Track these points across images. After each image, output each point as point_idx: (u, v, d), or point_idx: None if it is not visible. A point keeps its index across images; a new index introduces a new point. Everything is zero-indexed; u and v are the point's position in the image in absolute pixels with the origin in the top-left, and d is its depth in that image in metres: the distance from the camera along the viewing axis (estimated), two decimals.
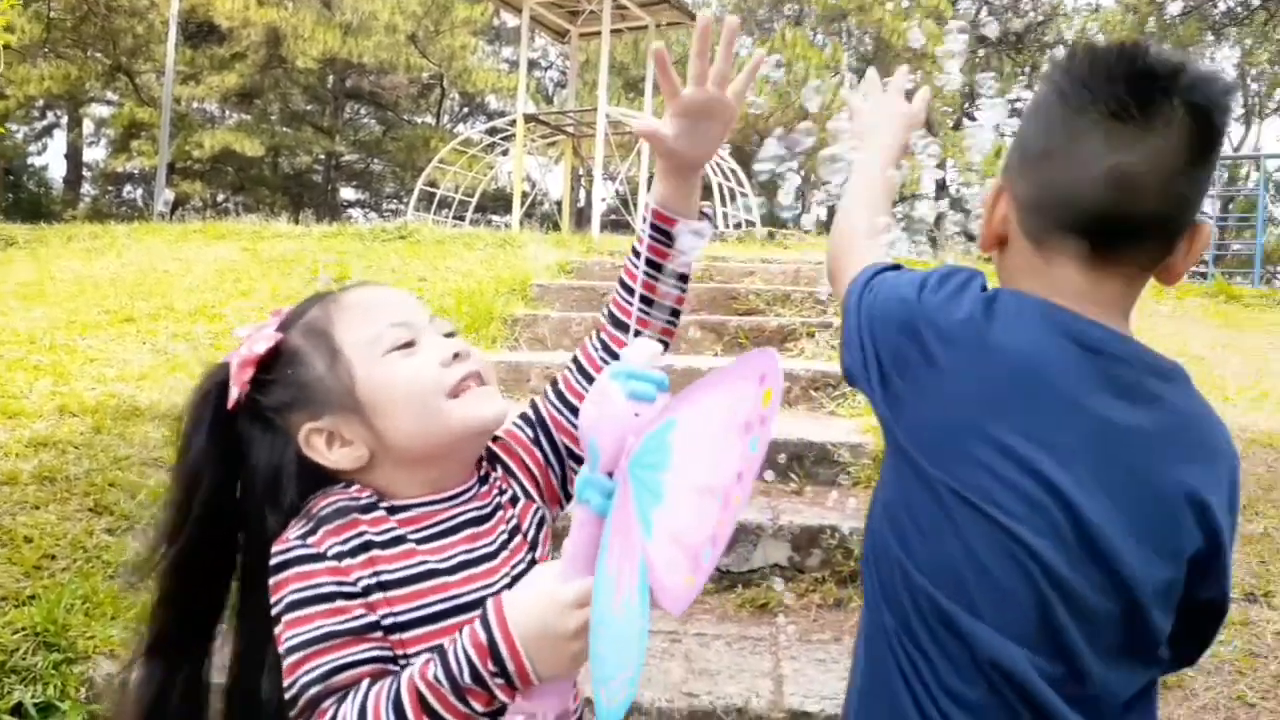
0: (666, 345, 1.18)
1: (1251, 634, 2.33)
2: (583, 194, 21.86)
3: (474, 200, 16.16)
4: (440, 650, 0.89)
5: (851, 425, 3.87)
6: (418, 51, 22.59)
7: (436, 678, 0.87)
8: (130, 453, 3.23)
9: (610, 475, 0.81)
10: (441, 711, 0.87)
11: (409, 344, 1.04)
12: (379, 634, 0.96)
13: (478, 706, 0.87)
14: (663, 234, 1.14)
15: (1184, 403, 0.93)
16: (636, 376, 0.81)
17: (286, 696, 0.93)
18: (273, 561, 0.98)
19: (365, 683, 0.92)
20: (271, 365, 1.05)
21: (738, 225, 13.69)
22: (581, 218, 18.92)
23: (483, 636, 0.87)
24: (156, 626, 1.09)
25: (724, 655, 2.42)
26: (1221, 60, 30.44)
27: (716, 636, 2.55)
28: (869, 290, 1.05)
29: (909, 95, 1.31)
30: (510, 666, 0.86)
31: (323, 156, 27.63)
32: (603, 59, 12.95)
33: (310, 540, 0.98)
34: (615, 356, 1.15)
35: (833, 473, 3.45)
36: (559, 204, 17.98)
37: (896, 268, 1.09)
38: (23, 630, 2.28)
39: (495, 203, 25.38)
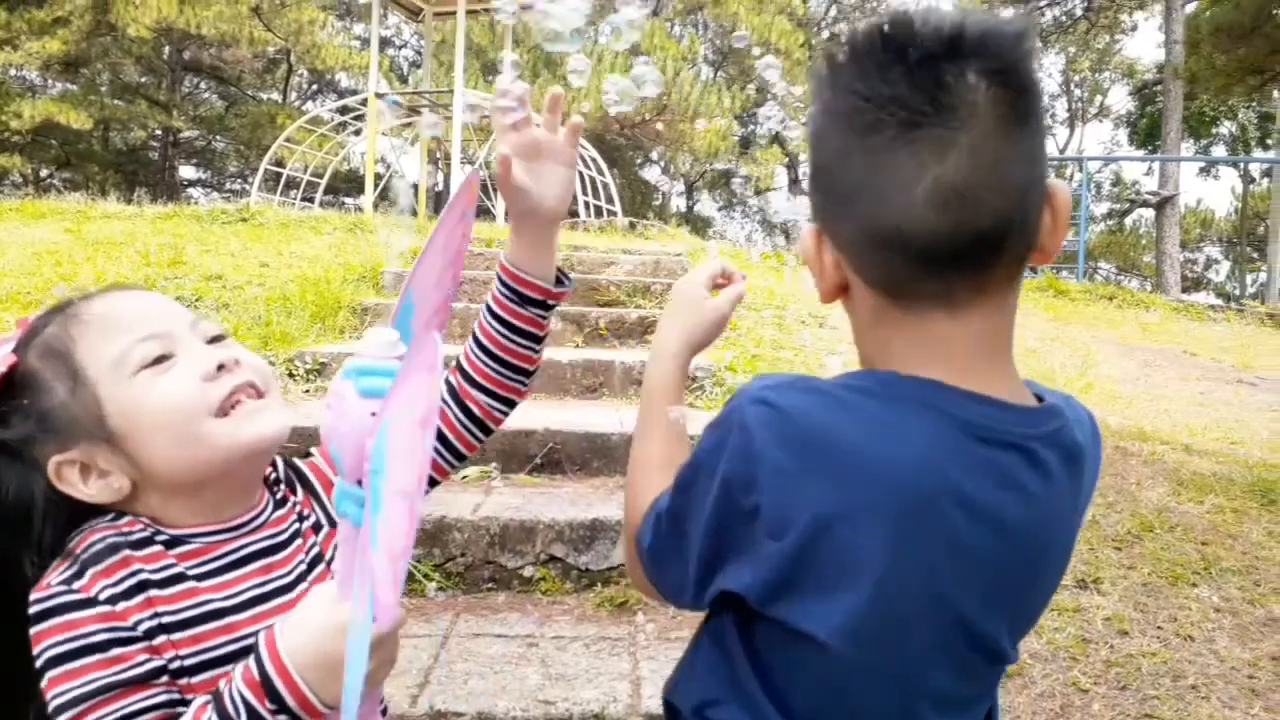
0: (513, 405, 1.11)
1: (1083, 620, 2.46)
2: (441, 177, 21.37)
3: (323, 181, 15.54)
4: (215, 694, 0.80)
5: (710, 418, 3.90)
6: (262, 24, 21.48)
7: None
8: None
9: (360, 483, 0.75)
10: None
11: (162, 358, 0.93)
12: (165, 679, 0.87)
13: None
14: (515, 294, 1.06)
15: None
16: (368, 371, 0.73)
17: None
18: (32, 610, 0.86)
19: None
20: (8, 392, 0.93)
21: (599, 214, 13.67)
22: (440, 201, 18.48)
23: (255, 673, 0.79)
24: None
25: (582, 658, 2.38)
26: (1048, 66, 32.50)
27: (575, 638, 2.51)
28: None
29: (725, 282, 1.13)
30: (290, 701, 0.78)
31: (159, 132, 25.97)
32: (459, 40, 12.64)
33: (76, 585, 0.86)
34: (467, 413, 1.08)
35: None
36: (415, 187, 17.51)
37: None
38: None
39: (348, 184, 24.53)
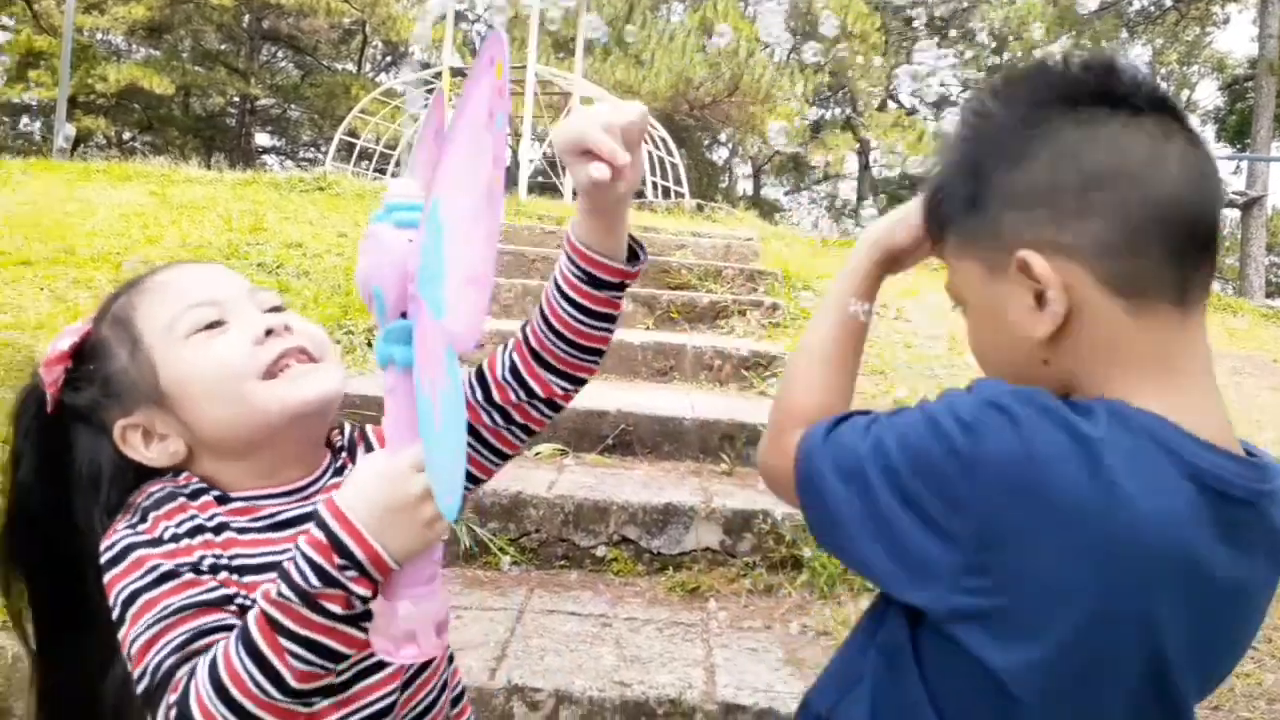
0: (583, 384, 1.06)
1: None
2: (508, 154, 21.47)
3: (395, 153, 15.71)
4: (280, 570, 0.79)
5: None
6: None
7: (282, 595, 0.77)
8: None
9: (404, 317, 0.76)
10: (297, 628, 0.76)
11: (215, 324, 0.95)
12: (234, 608, 0.87)
13: (336, 609, 0.77)
14: (588, 276, 0.98)
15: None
16: (398, 207, 0.76)
17: (139, 690, 0.83)
18: (104, 557, 0.89)
19: (218, 643, 0.81)
20: (80, 360, 0.98)
21: (666, 195, 13.62)
22: (507, 178, 18.57)
23: (321, 534, 0.78)
24: (23, 632, 1.04)
25: (655, 642, 2.38)
26: (1134, 58, 31.46)
27: (647, 621, 2.51)
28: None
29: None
30: (360, 554, 0.77)
31: (237, 99, 26.49)
32: (534, 17, 12.65)
33: (141, 528, 0.90)
34: (530, 393, 1.03)
35: None
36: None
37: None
38: None
39: None
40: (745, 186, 32.00)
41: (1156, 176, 0.74)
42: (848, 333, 0.94)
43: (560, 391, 1.05)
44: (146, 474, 0.97)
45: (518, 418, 1.06)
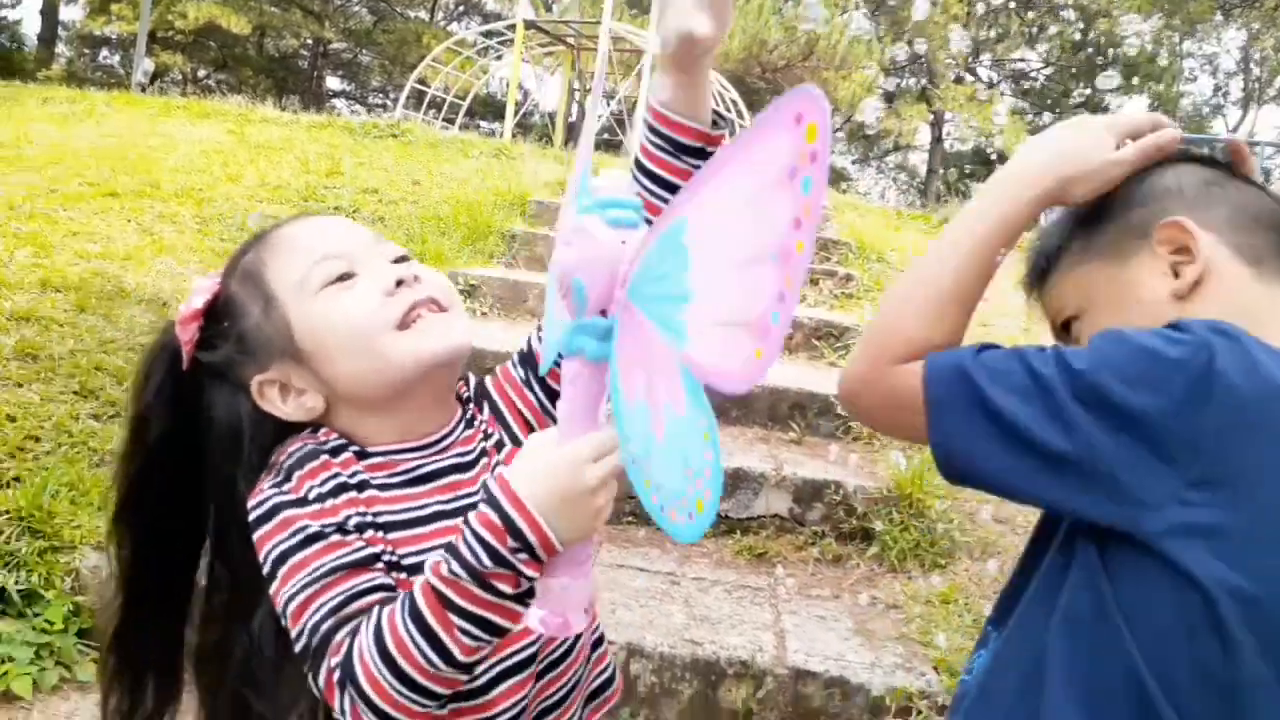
0: None
1: None
2: (575, 109, 21.40)
3: (465, 104, 15.73)
4: (448, 547, 0.80)
5: None
6: None
7: (453, 572, 0.78)
8: (116, 336, 3.11)
9: (603, 314, 0.75)
10: (466, 605, 0.78)
11: (345, 276, 0.94)
12: (382, 565, 0.89)
13: (505, 588, 0.78)
14: (669, 142, 0.93)
15: None
16: (614, 204, 0.74)
17: (297, 649, 0.85)
18: (251, 516, 0.90)
19: (377, 608, 0.83)
20: (213, 317, 0.98)
21: None
22: (571, 133, 18.53)
23: (495, 517, 0.78)
24: (124, 584, 1.04)
25: (724, 603, 2.39)
26: (1227, 42, 30.31)
27: (715, 582, 2.52)
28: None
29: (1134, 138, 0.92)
30: (533, 539, 0.78)
31: (310, 42, 26.71)
32: None
33: (286, 487, 0.90)
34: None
35: (834, 425, 3.41)
36: (552, 116, 17.58)
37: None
38: (6, 514, 2.20)
39: (484, 108, 24.80)
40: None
41: (1250, 192, 0.89)
42: (984, 275, 0.91)
43: None
44: (285, 429, 0.97)
45: None
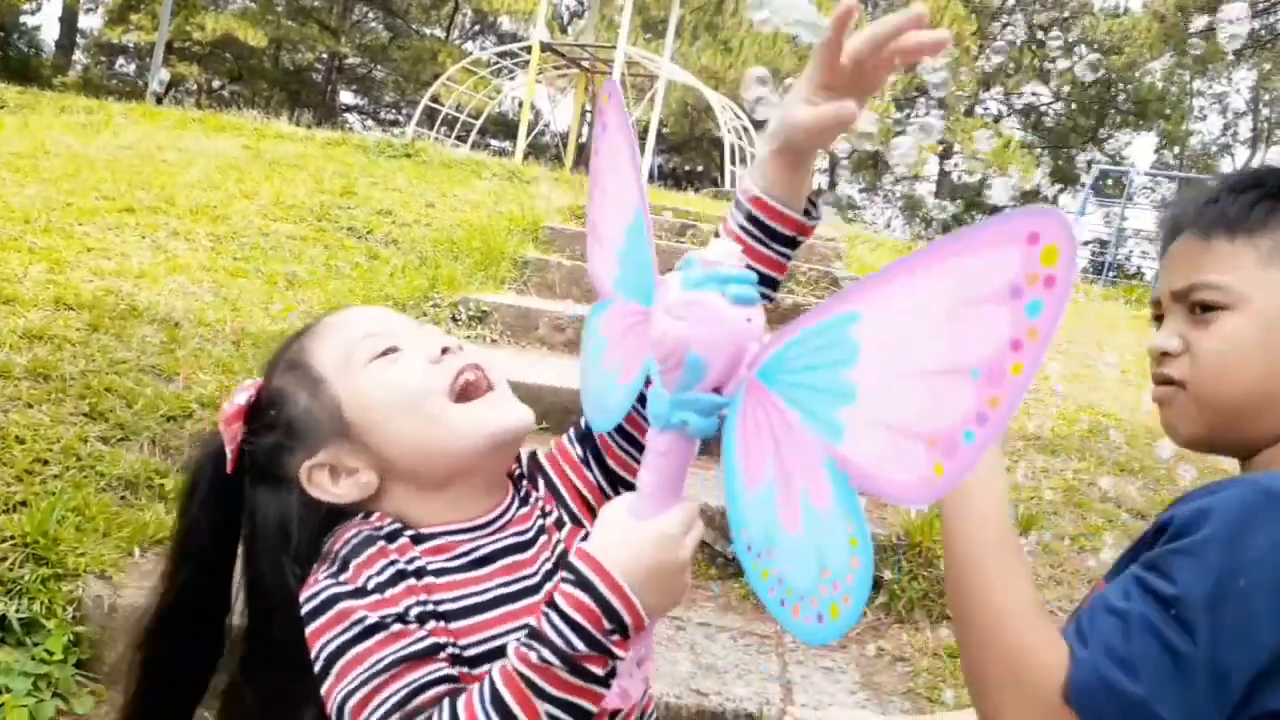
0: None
1: None
2: (587, 130, 21.51)
3: (478, 123, 15.82)
4: (531, 632, 0.77)
5: None
6: None
7: (543, 659, 0.75)
8: (128, 356, 3.10)
9: (717, 391, 0.73)
10: (555, 691, 0.75)
11: (390, 350, 0.94)
12: (445, 656, 0.85)
13: (596, 670, 0.76)
14: (762, 229, 0.90)
15: None
16: (734, 280, 0.71)
17: None
18: (305, 608, 0.86)
19: (447, 701, 0.79)
20: (256, 413, 0.97)
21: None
22: (582, 154, 18.62)
23: (587, 598, 0.75)
24: (135, 697, 1.03)
25: (730, 651, 2.37)
26: (1238, 82, 30.43)
27: (721, 628, 2.50)
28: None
29: None
30: (628, 619, 0.75)
31: (325, 56, 26.90)
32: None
33: (343, 577, 0.87)
34: None
35: None
36: (564, 138, 17.66)
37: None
38: (11, 539, 2.18)
39: (496, 126, 24.93)
40: (820, 181, 31.60)
41: None
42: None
43: None
44: (333, 516, 0.95)
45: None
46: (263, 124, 9.19)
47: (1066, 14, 27.06)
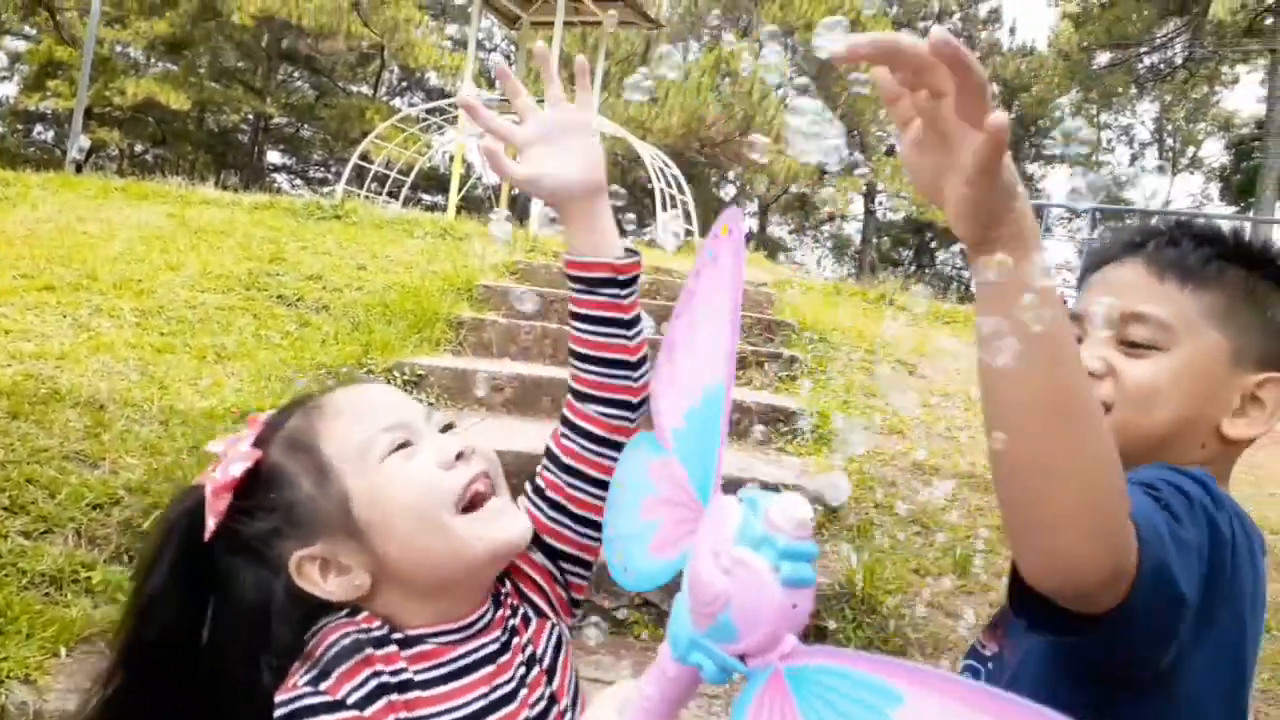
0: (632, 408, 1.01)
1: None
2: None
3: (409, 179, 15.80)
4: None
5: (801, 465, 3.85)
6: (360, 20, 21.96)
7: None
8: (50, 444, 3.01)
9: (743, 656, 0.68)
10: None
11: (405, 444, 0.92)
12: None
13: None
14: (583, 281, 1.00)
15: None
16: (791, 555, 0.64)
17: None
18: (279, 713, 0.83)
19: None
20: (251, 488, 0.91)
21: (676, 235, 13.65)
22: (515, 205, 18.68)
23: None
24: None
25: (684, 714, 2.35)
26: (1142, 114, 31.81)
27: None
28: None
29: None
30: None
31: (251, 117, 26.69)
32: (554, 51, 12.73)
33: (323, 686, 0.84)
34: (588, 437, 1.01)
35: None
36: (496, 190, 17.69)
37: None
38: None
39: (428, 181, 24.91)
40: (752, 225, 32.15)
41: None
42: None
43: (611, 422, 1.01)
44: (316, 608, 0.91)
45: (592, 471, 1.02)
46: (188, 190, 9.06)
47: (978, 53, 28.03)
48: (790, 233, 34.55)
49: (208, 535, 0.91)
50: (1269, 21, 20.25)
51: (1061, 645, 0.88)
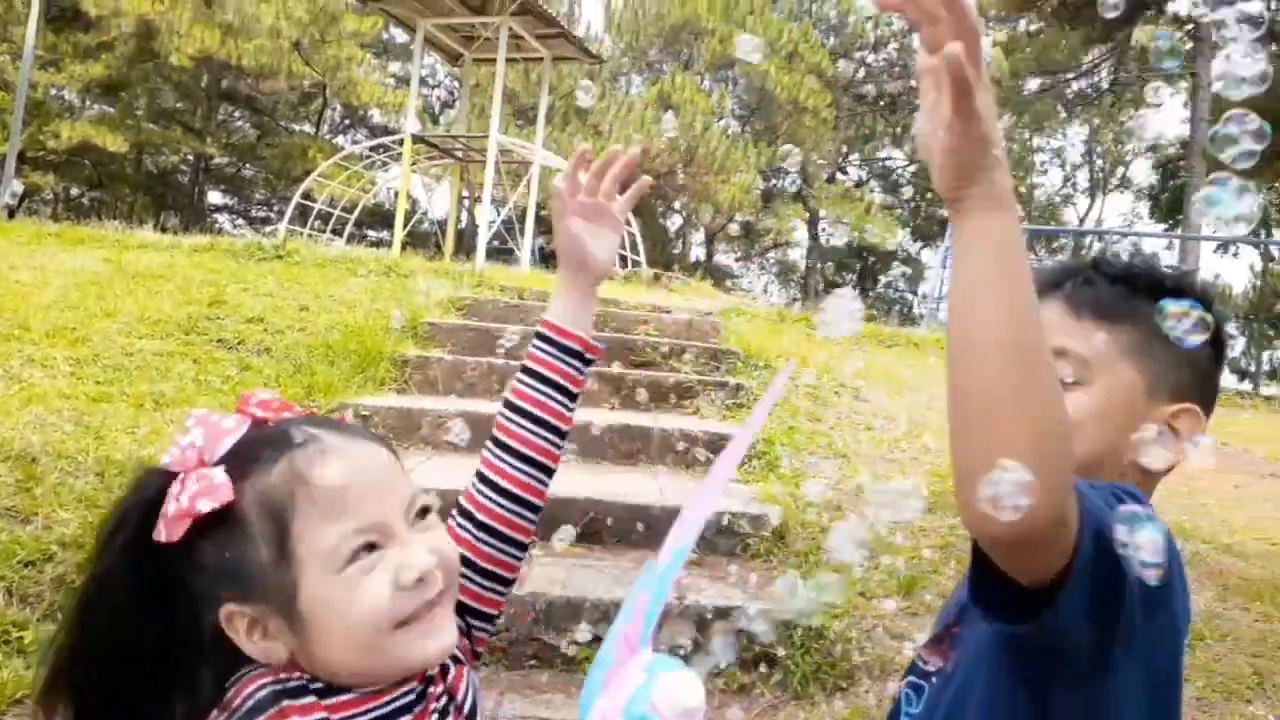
0: (549, 473, 1.09)
1: None
2: (465, 217, 21.60)
3: (353, 216, 15.72)
4: None
5: (750, 493, 3.89)
6: (301, 59, 21.87)
7: None
8: None
9: None
10: None
11: (371, 546, 0.88)
12: None
13: None
14: (556, 346, 1.12)
15: None
16: None
17: None
18: None
19: None
20: (212, 524, 0.87)
21: (624, 263, 13.76)
22: (461, 241, 18.65)
23: None
24: None
25: None
26: (1072, 136, 32.75)
27: None
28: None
29: None
30: None
31: (191, 158, 26.36)
32: (497, 89, 12.83)
33: None
34: (499, 490, 1.06)
35: (732, 544, 3.45)
36: (442, 226, 17.68)
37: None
38: None
39: (373, 218, 24.79)
40: (698, 253, 32.42)
41: None
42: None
43: (530, 483, 1.08)
44: (243, 657, 0.90)
45: (502, 528, 1.07)
46: (125, 234, 8.91)
47: (914, 82, 28.70)
48: (737, 260, 34.92)
49: (157, 539, 0.88)
50: (1189, 47, 21.04)
51: (1008, 638, 0.91)
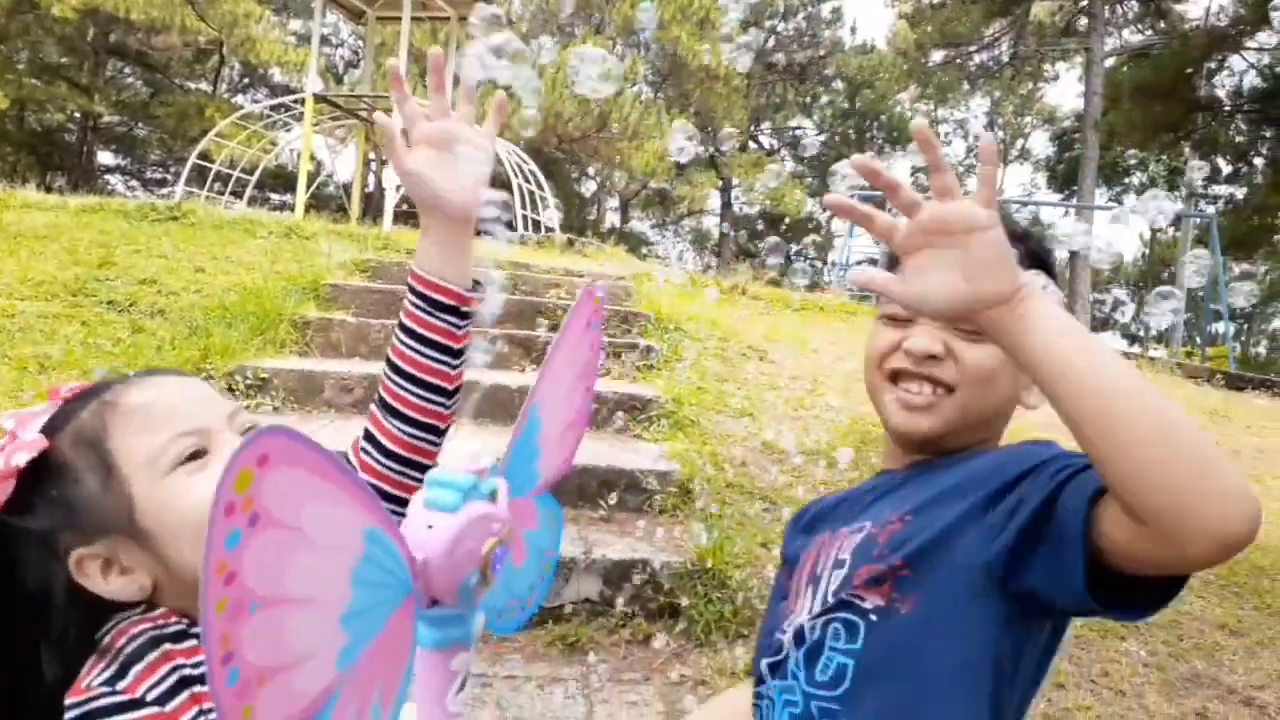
0: (439, 433, 1.02)
1: None
2: (372, 180, 21.10)
3: (253, 178, 15.19)
4: None
5: (658, 450, 3.93)
6: (195, 14, 20.92)
7: None
8: None
9: (434, 602, 0.67)
10: None
11: (198, 454, 0.88)
12: None
13: None
14: (425, 300, 1.00)
15: None
16: (438, 483, 0.67)
17: None
18: (70, 715, 0.79)
19: None
20: (36, 478, 0.86)
21: (536, 228, 13.64)
22: (369, 204, 18.22)
23: None
24: None
25: (536, 700, 2.38)
26: (974, 109, 33.64)
27: (527, 678, 2.50)
28: None
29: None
30: None
31: (78, 115, 25.05)
32: (402, 47, 12.52)
33: (120, 685, 0.81)
34: (387, 454, 1.01)
35: (640, 499, 3.49)
36: (347, 188, 17.23)
37: None
38: None
39: (275, 180, 24.02)
40: (613, 220, 32.34)
41: None
42: None
43: (418, 444, 1.02)
44: (105, 605, 0.88)
45: (388, 489, 1.03)
46: (6, 192, 8.44)
47: (823, 52, 29.08)
48: (652, 227, 34.97)
49: None
50: (1083, 23, 21.74)
51: (992, 585, 0.94)
